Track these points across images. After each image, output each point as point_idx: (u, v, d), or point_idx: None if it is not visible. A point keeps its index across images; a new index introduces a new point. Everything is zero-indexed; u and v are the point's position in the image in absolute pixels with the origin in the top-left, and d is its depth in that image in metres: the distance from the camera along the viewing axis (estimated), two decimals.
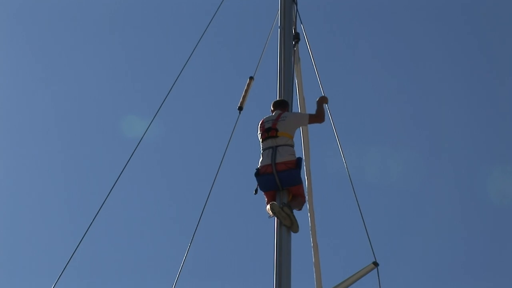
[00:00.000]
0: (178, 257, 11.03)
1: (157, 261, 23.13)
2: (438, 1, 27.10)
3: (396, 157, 23.36)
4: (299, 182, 10.07)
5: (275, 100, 10.94)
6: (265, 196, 10.17)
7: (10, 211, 26.54)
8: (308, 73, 11.97)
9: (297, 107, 11.57)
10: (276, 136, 10.17)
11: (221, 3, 12.71)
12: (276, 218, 9.85)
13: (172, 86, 11.59)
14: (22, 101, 27.94)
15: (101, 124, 26.06)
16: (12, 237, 25.97)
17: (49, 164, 27.13)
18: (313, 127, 11.19)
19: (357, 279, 9.94)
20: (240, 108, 11.53)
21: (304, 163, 10.82)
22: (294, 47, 11.93)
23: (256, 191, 10.21)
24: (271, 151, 10.07)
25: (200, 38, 12.22)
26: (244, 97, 11.70)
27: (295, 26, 12.17)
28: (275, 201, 9.91)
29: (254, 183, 10.44)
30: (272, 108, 10.71)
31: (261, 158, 10.19)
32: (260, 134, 10.39)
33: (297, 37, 12.02)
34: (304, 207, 10.79)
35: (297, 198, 10.06)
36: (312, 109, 11.00)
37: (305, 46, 12.02)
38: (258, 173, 10.04)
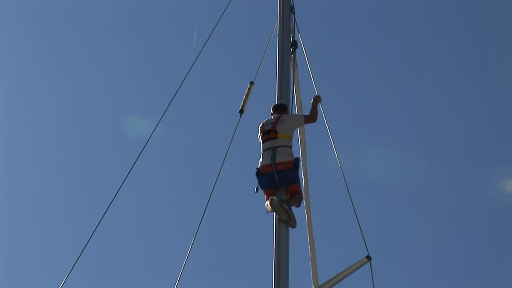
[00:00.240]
0: (181, 254, 11.17)
1: (161, 258, 23.05)
2: (433, 4, 27.11)
3: (390, 156, 23.57)
4: (297, 180, 10.43)
5: (274, 104, 11.23)
6: (264, 194, 10.50)
7: (11, 211, 26.31)
8: (305, 78, 12.14)
9: (294, 110, 11.79)
10: (276, 138, 10.54)
11: (224, 11, 12.90)
12: (274, 213, 10.21)
13: (178, 90, 11.85)
14: (27, 100, 27.78)
15: (104, 124, 26.09)
16: (16, 237, 25.79)
17: (51, 163, 26.95)
18: (311, 128, 11.43)
19: (351, 272, 10.24)
20: (241, 111, 11.79)
21: (301, 162, 11.05)
22: (292, 54, 12.23)
23: (257, 189, 10.57)
24: (271, 151, 10.44)
25: (204, 45, 12.48)
26: (245, 100, 11.98)
27: (293, 34, 12.46)
28: (273, 197, 10.21)
29: (254, 182, 10.75)
30: (272, 112, 11.04)
31: (261, 159, 10.54)
32: (260, 136, 10.73)
33: (294, 44, 12.29)
34: (302, 209, 11.06)
35: (295, 196, 10.42)
36: (308, 111, 11.35)
37: (302, 53, 12.32)
38: (259, 173, 10.39)
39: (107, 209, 11.24)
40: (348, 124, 23.57)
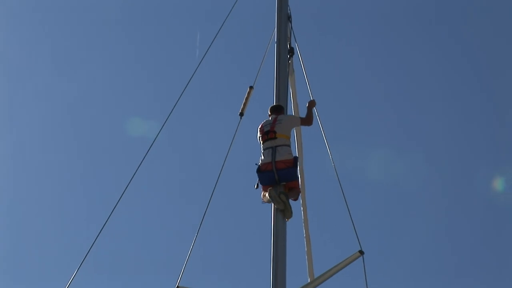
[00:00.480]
0: (185, 249, 11.25)
1: (165, 253, 23.23)
2: (429, 7, 27.34)
3: (384, 155, 23.86)
4: (295, 178, 10.85)
5: (272, 105, 11.59)
6: (262, 189, 10.90)
7: (13, 211, 26.25)
8: (301, 83, 12.43)
9: (291, 113, 12.10)
10: (275, 138, 10.94)
11: (225, 20, 13.10)
12: (272, 204, 10.63)
13: (181, 94, 12.10)
14: (33, 101, 27.78)
15: (107, 124, 26.21)
16: (19, 237, 25.77)
17: (52, 163, 26.87)
18: (307, 129, 11.74)
19: (345, 266, 10.46)
20: (241, 114, 12.10)
21: (298, 161, 11.27)
22: (289, 60, 12.53)
23: (257, 185, 10.96)
24: (271, 150, 10.84)
25: (206, 52, 12.73)
26: (244, 104, 12.27)
27: (290, 41, 12.73)
28: (271, 188, 10.60)
29: (253, 180, 11.10)
30: (269, 113, 11.44)
31: (262, 157, 10.92)
32: (260, 137, 11.11)
33: (291, 51, 12.58)
34: (297, 202, 11.45)
35: (293, 190, 10.83)
36: (304, 114, 11.71)
37: (298, 59, 12.56)
38: (259, 170, 10.77)
39: (113, 209, 11.34)
40: (343, 125, 23.85)
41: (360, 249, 10.35)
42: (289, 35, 12.72)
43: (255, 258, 20.77)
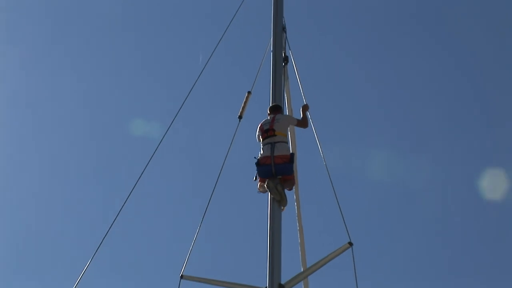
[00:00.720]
0: (189, 241, 11.52)
1: (169, 243, 24.02)
2: (422, 11, 28.35)
3: (372, 153, 24.54)
4: (291, 172, 11.32)
5: (270, 105, 12.08)
6: (259, 180, 11.38)
7: (14, 211, 26.79)
8: (295, 88, 12.85)
9: None
10: (274, 135, 11.43)
11: (226, 30, 13.47)
12: (269, 195, 11.14)
13: (185, 99, 12.54)
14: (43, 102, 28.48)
15: (112, 124, 26.95)
16: (23, 238, 26.28)
17: (57, 162, 27.75)
18: (301, 130, 12.18)
19: (335, 256, 10.74)
20: (240, 117, 12.46)
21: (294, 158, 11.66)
22: (284, 67, 12.87)
23: (255, 177, 11.45)
24: (270, 146, 11.32)
25: (208, 60, 13.10)
26: (243, 108, 12.59)
27: (285, 50, 13.10)
28: (269, 180, 11.09)
29: (251, 176, 11.64)
30: (268, 112, 11.93)
31: (262, 152, 11.40)
32: (260, 135, 11.61)
33: (286, 59, 12.96)
34: (291, 197, 11.94)
35: (288, 181, 11.33)
36: (298, 117, 12.14)
37: (293, 66, 12.96)
38: (259, 163, 11.27)
39: (121, 207, 11.64)
40: (334, 126, 24.54)
41: (349, 240, 10.63)
42: (284, 45, 13.11)
43: (253, 247, 21.27)
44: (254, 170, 11.47)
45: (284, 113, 12.32)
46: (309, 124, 12.01)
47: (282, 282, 10.72)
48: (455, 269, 25.09)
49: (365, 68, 28.12)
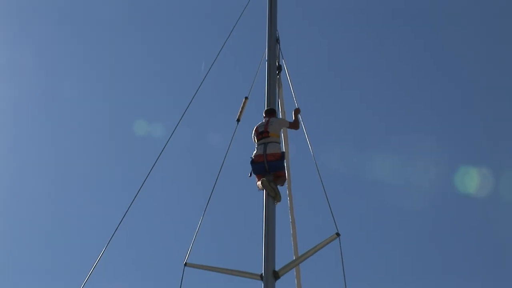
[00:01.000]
0: (192, 231, 11.84)
1: (173, 234, 24.70)
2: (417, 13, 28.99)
3: (357, 151, 25.42)
4: (282, 169, 11.87)
5: (266, 109, 12.56)
6: (256, 178, 11.86)
7: (15, 211, 27.36)
8: (288, 94, 13.31)
9: None
10: (268, 136, 11.93)
11: (225, 41, 13.89)
12: (264, 190, 11.58)
13: (190, 102, 12.96)
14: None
15: (115, 125, 27.58)
16: (28, 238, 26.89)
17: (57, 164, 28.18)
18: (295, 131, 12.63)
19: (323, 246, 11.06)
20: (238, 120, 12.82)
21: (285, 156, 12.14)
22: (277, 75, 13.30)
23: (250, 174, 11.90)
24: (263, 146, 11.81)
25: (209, 68, 13.55)
26: (241, 112, 12.94)
27: (278, 60, 13.52)
28: (264, 178, 11.57)
29: (248, 173, 11.99)
30: (264, 115, 12.42)
31: (256, 151, 11.88)
32: (255, 136, 12.08)
33: (279, 68, 13.39)
34: (284, 191, 12.35)
35: (280, 177, 11.83)
36: (290, 119, 12.64)
37: (286, 74, 13.37)
38: (253, 162, 11.77)
39: (130, 205, 11.95)
40: (324, 128, 25.42)
41: (337, 231, 10.99)
42: (277, 55, 13.53)
43: (250, 237, 21.60)
44: (250, 168, 11.97)
45: (278, 116, 12.77)
46: (300, 126, 12.44)
47: (276, 269, 11.00)
48: (440, 261, 25.64)
49: (352, 74, 28.91)
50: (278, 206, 11.79)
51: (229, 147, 12.51)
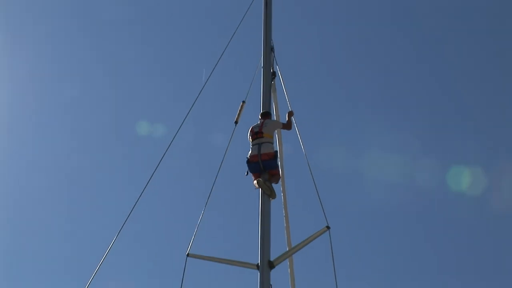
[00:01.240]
0: (193, 224, 12.09)
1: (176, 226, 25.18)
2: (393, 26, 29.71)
3: (347, 150, 25.97)
4: (276, 167, 12.28)
5: (261, 112, 12.94)
6: (252, 176, 12.27)
7: (18, 211, 27.64)
8: (282, 98, 13.75)
9: None
10: (262, 137, 12.35)
11: (225, 49, 14.23)
12: (260, 189, 11.97)
13: (192, 106, 13.29)
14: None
15: (119, 125, 28.08)
16: (32, 240, 27.23)
17: (63, 162, 28.54)
18: (288, 132, 13.03)
19: (315, 238, 11.37)
20: (236, 122, 13.19)
21: (278, 155, 12.59)
22: (272, 81, 13.68)
23: (247, 173, 12.28)
24: (257, 146, 12.24)
25: (210, 74, 13.92)
26: (238, 114, 13.28)
27: (273, 66, 13.88)
28: (260, 178, 12.08)
29: (245, 171, 12.40)
30: (260, 117, 12.80)
31: (251, 151, 12.28)
32: (250, 136, 12.49)
33: (274, 74, 13.75)
34: (278, 188, 12.68)
35: (274, 176, 12.27)
36: (284, 121, 13.05)
37: (280, 80, 13.83)
38: (249, 161, 12.19)
39: (135, 204, 12.23)
40: (316, 129, 26.23)
41: (327, 224, 11.34)
42: (272, 62, 13.89)
43: (247, 230, 22.69)
44: (246, 167, 12.41)
45: (273, 118, 13.15)
46: (293, 127, 12.86)
47: (271, 259, 11.34)
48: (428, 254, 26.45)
49: (342, 78, 29.77)
50: (273, 202, 12.16)
51: (227, 147, 12.89)
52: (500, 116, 28.37)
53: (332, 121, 28.30)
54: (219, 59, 14.15)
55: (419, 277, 25.31)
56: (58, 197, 28.18)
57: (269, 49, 14.08)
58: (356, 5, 29.74)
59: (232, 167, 13.45)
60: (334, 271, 11.05)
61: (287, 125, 12.88)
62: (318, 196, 11.64)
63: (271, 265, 11.31)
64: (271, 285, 11.27)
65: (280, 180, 12.74)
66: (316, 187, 11.74)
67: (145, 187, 12.32)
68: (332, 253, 11.16)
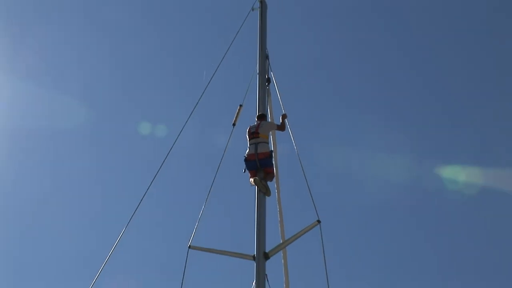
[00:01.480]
0: (195, 217, 12.39)
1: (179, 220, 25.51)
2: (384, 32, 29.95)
3: (338, 148, 26.56)
4: (271, 165, 12.76)
5: (257, 114, 13.36)
6: (249, 173, 12.70)
7: (21, 212, 27.69)
8: (276, 102, 14.17)
9: None
10: (258, 137, 12.81)
11: (223, 58, 14.66)
12: (256, 187, 12.42)
13: (195, 107, 13.74)
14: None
15: (120, 126, 28.39)
16: (34, 241, 27.50)
17: (64, 162, 28.64)
18: (283, 134, 13.41)
19: (307, 231, 11.70)
20: (234, 124, 13.62)
21: (273, 154, 13.08)
22: (267, 86, 14.11)
23: (244, 170, 12.72)
24: (254, 145, 12.70)
25: (210, 79, 14.37)
26: (236, 117, 13.66)
27: (268, 73, 14.31)
28: (256, 176, 12.54)
29: (242, 168, 12.80)
30: (257, 119, 13.27)
31: (248, 150, 12.73)
32: (248, 136, 12.94)
33: (268, 80, 14.19)
34: (272, 185, 13.05)
35: (269, 174, 12.73)
36: (278, 123, 13.47)
37: (274, 86, 14.27)
38: (246, 159, 12.66)
39: (139, 203, 12.63)
40: (309, 129, 26.76)
41: (318, 219, 11.70)
42: (267, 69, 14.34)
43: (244, 224, 20.89)
44: (243, 165, 12.89)
45: (268, 120, 13.63)
46: (286, 128, 13.35)
47: (266, 250, 11.69)
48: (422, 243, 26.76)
49: (333, 80, 30.28)
50: (268, 198, 12.62)
51: (226, 147, 13.34)
52: (497, 115, 28.77)
53: (325, 122, 28.87)
54: (218, 66, 14.54)
55: (412, 272, 26.20)
56: (64, 196, 28.60)
57: (264, 57, 14.43)
58: (348, 6, 30.55)
59: (231, 165, 13.71)
60: (325, 262, 11.39)
61: (281, 127, 13.37)
62: (310, 191, 12.04)
63: (266, 256, 11.65)
64: (266, 274, 11.57)
65: (275, 178, 13.17)
66: (307, 183, 12.17)
67: (150, 185, 12.85)
68: (322, 245, 11.51)
